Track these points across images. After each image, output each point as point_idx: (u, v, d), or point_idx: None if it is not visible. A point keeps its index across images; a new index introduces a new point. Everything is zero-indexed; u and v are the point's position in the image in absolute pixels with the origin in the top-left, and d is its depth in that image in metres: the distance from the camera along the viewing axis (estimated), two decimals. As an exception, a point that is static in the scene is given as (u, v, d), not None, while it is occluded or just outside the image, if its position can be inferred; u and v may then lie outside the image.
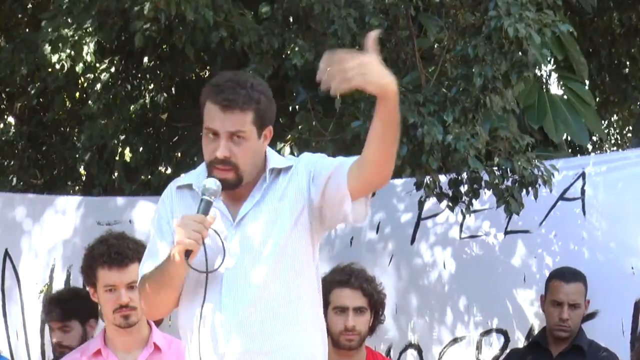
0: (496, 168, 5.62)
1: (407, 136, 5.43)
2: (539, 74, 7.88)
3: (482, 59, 5.41)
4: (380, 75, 3.23)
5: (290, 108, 7.77)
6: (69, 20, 7.12)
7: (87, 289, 4.47)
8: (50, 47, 7.13)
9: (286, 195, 3.46)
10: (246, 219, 3.45)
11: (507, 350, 6.07)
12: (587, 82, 8.09)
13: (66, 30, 7.15)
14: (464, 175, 5.66)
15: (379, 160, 3.30)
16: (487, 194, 5.87)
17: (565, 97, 7.68)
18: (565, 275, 5.58)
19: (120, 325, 4.33)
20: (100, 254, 4.34)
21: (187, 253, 3.29)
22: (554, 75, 8.24)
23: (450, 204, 5.82)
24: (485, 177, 5.65)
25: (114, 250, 4.33)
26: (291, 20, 6.22)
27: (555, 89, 8.20)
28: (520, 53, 5.42)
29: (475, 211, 5.96)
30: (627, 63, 9.52)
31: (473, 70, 5.42)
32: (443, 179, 5.77)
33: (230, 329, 3.39)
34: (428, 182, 5.67)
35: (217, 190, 3.36)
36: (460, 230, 6.30)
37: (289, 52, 5.98)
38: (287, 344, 3.41)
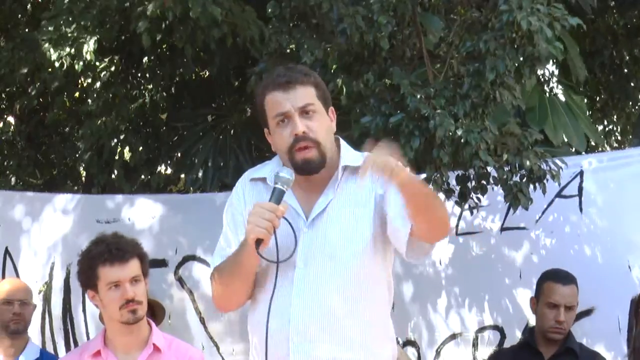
0: (504, 164, 5.63)
1: (419, 129, 5.44)
2: (545, 76, 7.91)
3: (494, 53, 5.43)
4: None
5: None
6: (70, 19, 7.14)
7: (87, 293, 4.43)
8: (50, 45, 7.15)
9: (369, 203, 3.40)
10: (320, 219, 3.39)
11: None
12: (582, 84, 8.11)
13: (66, 28, 7.18)
14: (471, 171, 5.67)
15: (426, 229, 3.29)
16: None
17: (565, 100, 7.71)
18: (561, 277, 5.52)
19: (129, 321, 4.31)
20: (99, 253, 4.33)
21: (258, 242, 3.24)
22: (554, 78, 8.26)
23: (458, 199, 5.84)
24: (493, 173, 5.66)
25: (114, 246, 4.33)
26: (297, 18, 6.22)
27: (555, 89, 8.22)
28: (531, 47, 5.43)
29: (473, 208, 5.98)
30: (629, 63, 9.53)
31: (485, 64, 5.43)
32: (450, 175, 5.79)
33: (297, 332, 3.34)
34: (436, 178, 5.69)
35: (290, 179, 3.31)
36: (457, 227, 6.32)
37: (294, 48, 5.99)
38: (350, 355, 3.35)
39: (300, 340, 3.33)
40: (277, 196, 3.28)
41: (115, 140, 8.45)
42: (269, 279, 3.37)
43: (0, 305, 5.72)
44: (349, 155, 3.46)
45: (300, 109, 3.37)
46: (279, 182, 3.30)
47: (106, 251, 4.32)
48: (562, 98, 7.80)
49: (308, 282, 3.34)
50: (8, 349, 5.71)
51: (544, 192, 5.69)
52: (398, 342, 4.95)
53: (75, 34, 7.14)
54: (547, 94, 7.69)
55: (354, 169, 3.42)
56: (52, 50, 7.10)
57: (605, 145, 10.50)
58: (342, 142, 3.49)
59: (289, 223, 3.31)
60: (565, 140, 7.55)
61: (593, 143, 9.45)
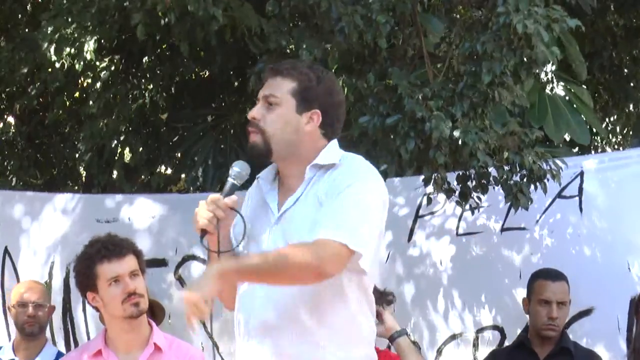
0: (504, 163, 5.63)
1: (415, 130, 5.44)
2: (546, 74, 7.91)
3: (491, 55, 5.43)
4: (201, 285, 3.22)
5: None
6: (69, 19, 7.14)
7: (86, 295, 4.43)
8: (50, 46, 7.15)
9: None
10: (287, 215, 3.39)
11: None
12: (585, 82, 8.10)
13: (66, 29, 7.18)
14: (472, 171, 5.68)
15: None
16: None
17: (566, 97, 7.70)
18: (550, 274, 5.55)
19: (132, 315, 4.31)
20: (96, 251, 4.35)
21: (204, 232, 3.32)
22: (552, 76, 8.25)
23: (459, 199, 5.84)
24: (494, 172, 5.66)
25: (110, 243, 4.37)
26: (297, 17, 6.22)
27: (556, 89, 8.21)
28: (528, 50, 5.43)
29: (474, 208, 5.98)
30: (628, 64, 9.52)
31: (482, 66, 5.43)
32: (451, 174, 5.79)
33: (256, 327, 3.36)
34: (436, 178, 5.69)
35: (240, 172, 3.38)
36: (457, 227, 6.32)
37: (293, 47, 5.98)
38: (302, 353, 3.33)
39: (259, 334, 3.35)
40: (227, 188, 3.35)
41: (116, 141, 8.46)
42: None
43: (15, 308, 5.74)
44: (326, 155, 3.42)
45: (264, 97, 3.41)
46: (232, 176, 3.38)
47: (102, 248, 4.35)
48: (562, 94, 7.79)
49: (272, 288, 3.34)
50: (24, 351, 5.73)
51: (544, 191, 5.69)
52: (408, 335, 4.95)
53: (75, 34, 7.14)
54: (547, 92, 7.68)
55: (329, 167, 3.40)
56: (52, 50, 7.11)
57: (605, 146, 10.52)
58: (329, 145, 3.45)
59: (242, 217, 3.36)
60: (568, 136, 7.55)
61: (598, 138, 9.46)
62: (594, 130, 8.14)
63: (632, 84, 9.49)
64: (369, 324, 3.43)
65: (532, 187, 5.65)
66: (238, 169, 3.39)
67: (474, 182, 5.73)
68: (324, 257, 3.19)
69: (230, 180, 3.37)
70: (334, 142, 3.47)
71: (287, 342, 3.32)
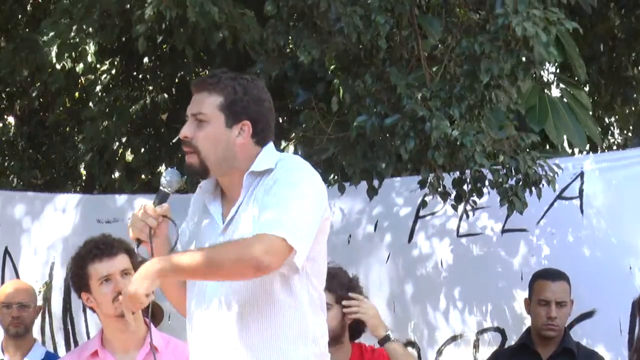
0: (500, 167, 5.63)
1: (414, 130, 5.44)
2: (544, 76, 7.89)
3: (489, 55, 5.42)
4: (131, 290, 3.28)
5: (290, 107, 7.80)
6: (69, 21, 7.14)
7: (82, 297, 4.43)
8: (51, 49, 7.15)
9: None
10: (231, 225, 3.39)
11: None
12: (585, 84, 8.10)
13: (67, 34, 7.18)
14: (467, 173, 5.67)
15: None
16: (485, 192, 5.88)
17: (565, 100, 7.70)
18: (550, 274, 5.55)
19: (123, 314, 4.32)
20: (88, 251, 4.37)
21: (139, 242, 3.39)
22: (554, 78, 8.25)
23: (454, 202, 5.84)
24: (489, 176, 5.66)
25: (101, 242, 4.39)
26: (296, 18, 6.22)
27: (555, 91, 8.21)
28: (526, 51, 5.43)
29: (469, 211, 5.98)
30: (628, 66, 9.52)
31: (480, 66, 5.42)
32: (446, 177, 5.79)
33: (204, 340, 3.39)
34: (432, 180, 5.69)
35: (171, 181, 3.41)
36: (458, 228, 6.31)
37: (292, 47, 5.98)
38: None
39: (205, 348, 3.39)
40: (159, 197, 3.38)
41: (117, 142, 8.47)
42: (193, 290, 3.46)
43: (0, 309, 5.75)
44: (261, 162, 3.41)
45: (192, 115, 3.40)
46: (163, 185, 3.41)
47: (94, 248, 4.36)
48: (560, 95, 7.79)
49: (216, 289, 3.37)
50: (12, 350, 5.75)
51: (539, 196, 5.68)
52: (397, 340, 4.94)
53: (76, 39, 7.14)
54: (547, 93, 7.67)
55: (265, 172, 3.39)
56: (53, 54, 7.10)
57: (604, 147, 10.51)
58: (263, 151, 3.43)
59: (174, 224, 3.41)
60: (566, 139, 7.55)
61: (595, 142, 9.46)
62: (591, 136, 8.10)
63: (632, 84, 9.49)
64: (318, 321, 3.42)
65: (528, 191, 5.66)
66: (169, 178, 3.41)
67: (469, 186, 5.73)
68: (262, 251, 3.18)
69: (161, 189, 3.40)
70: (269, 147, 3.46)
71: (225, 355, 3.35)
